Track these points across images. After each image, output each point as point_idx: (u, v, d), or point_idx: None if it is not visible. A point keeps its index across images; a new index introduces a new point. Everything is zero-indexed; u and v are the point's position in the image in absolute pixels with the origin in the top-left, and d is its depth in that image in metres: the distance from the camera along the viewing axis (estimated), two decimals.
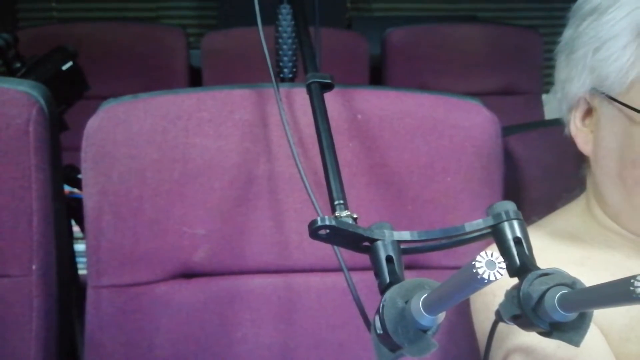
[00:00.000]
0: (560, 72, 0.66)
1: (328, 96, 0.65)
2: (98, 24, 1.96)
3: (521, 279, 0.42)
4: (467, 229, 0.46)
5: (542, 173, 0.83)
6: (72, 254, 1.01)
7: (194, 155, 0.74)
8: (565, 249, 0.64)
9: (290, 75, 0.82)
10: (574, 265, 0.62)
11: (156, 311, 0.75)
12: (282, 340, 0.77)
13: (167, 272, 0.75)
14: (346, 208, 0.52)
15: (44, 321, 0.76)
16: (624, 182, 0.61)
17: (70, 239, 1.04)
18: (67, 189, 1.00)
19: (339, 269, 0.55)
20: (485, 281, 0.30)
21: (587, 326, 0.42)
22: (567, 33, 0.65)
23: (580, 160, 0.68)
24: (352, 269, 0.55)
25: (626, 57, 0.58)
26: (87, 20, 2.34)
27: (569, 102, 0.65)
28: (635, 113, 0.57)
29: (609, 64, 0.59)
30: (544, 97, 2.04)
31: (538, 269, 0.43)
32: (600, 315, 0.58)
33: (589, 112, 0.64)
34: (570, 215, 0.69)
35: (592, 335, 0.57)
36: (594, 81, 0.61)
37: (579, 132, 0.65)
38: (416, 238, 0.47)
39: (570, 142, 0.66)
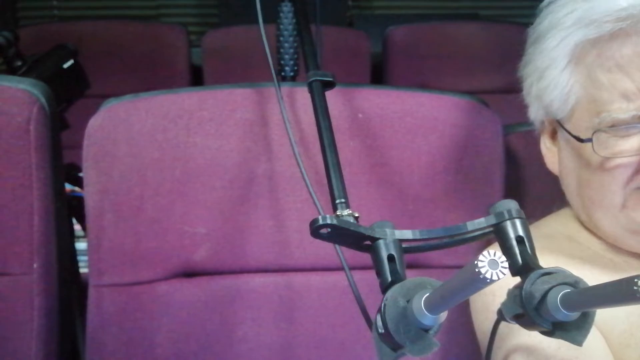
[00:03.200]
0: (524, 97, 0.67)
1: (329, 95, 0.65)
2: (99, 22, 1.96)
3: (524, 278, 0.42)
4: (469, 228, 0.46)
5: (543, 172, 0.83)
6: (73, 253, 1.01)
7: (195, 155, 0.74)
8: (563, 252, 0.64)
9: (292, 74, 0.81)
10: (573, 268, 0.61)
11: (157, 310, 0.75)
12: (283, 339, 0.77)
13: (168, 271, 0.75)
14: (347, 207, 0.52)
15: (45, 320, 0.76)
16: (582, 201, 0.62)
17: (71, 237, 1.04)
18: (68, 187, 1.00)
19: (340, 268, 0.55)
20: (488, 280, 0.30)
21: (590, 326, 0.42)
22: (522, 60, 0.66)
23: None
24: (353, 268, 0.55)
25: (563, 83, 0.59)
26: (88, 18, 2.33)
27: (536, 124, 0.67)
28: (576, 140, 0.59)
29: (550, 92, 0.60)
30: None
31: (541, 268, 0.42)
32: (600, 321, 0.58)
33: (554, 132, 0.66)
34: (566, 218, 0.69)
35: (593, 336, 0.57)
36: (544, 107, 0.63)
37: (548, 151, 0.67)
38: (418, 237, 0.47)
39: None
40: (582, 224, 0.67)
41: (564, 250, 0.64)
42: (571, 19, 0.58)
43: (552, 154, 0.67)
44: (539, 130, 0.68)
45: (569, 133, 0.60)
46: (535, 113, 0.65)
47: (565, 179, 0.65)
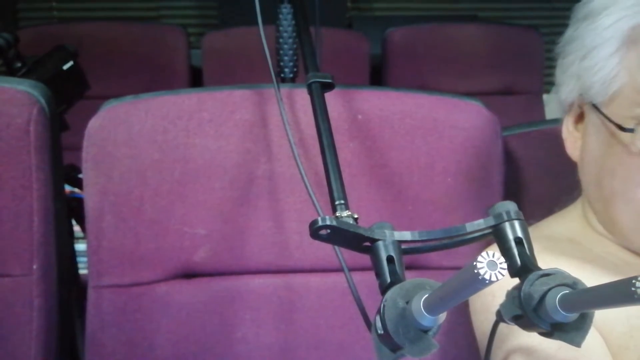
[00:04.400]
0: (557, 75, 0.65)
1: (329, 96, 0.65)
2: (99, 24, 1.96)
3: (522, 279, 0.42)
4: (468, 229, 0.46)
5: (542, 173, 0.83)
6: (72, 254, 1.01)
7: (194, 156, 0.74)
8: (564, 253, 0.63)
9: (291, 75, 0.82)
10: (574, 270, 0.61)
11: (157, 311, 0.75)
12: (283, 340, 0.77)
13: (167, 272, 0.75)
14: (347, 208, 0.52)
15: (45, 321, 0.76)
16: (602, 191, 0.60)
17: (71, 238, 1.04)
18: (67, 188, 1.00)
19: (339, 269, 0.55)
20: (487, 282, 0.30)
21: (588, 327, 0.42)
22: (565, 36, 0.64)
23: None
24: (352, 269, 0.55)
25: (610, 67, 0.57)
26: (88, 19, 2.33)
27: (562, 105, 0.65)
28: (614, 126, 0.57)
29: (593, 74, 0.58)
30: (545, 97, 2.04)
31: (539, 269, 0.42)
32: (600, 323, 0.58)
33: (580, 116, 0.64)
34: (568, 219, 0.68)
35: (593, 338, 0.57)
36: (581, 88, 0.60)
37: (570, 135, 0.65)
38: (417, 238, 0.47)
39: None
40: (588, 222, 0.66)
41: (565, 252, 0.64)
42: None
43: (573, 138, 0.64)
44: (563, 115, 0.65)
45: (609, 119, 0.57)
46: (567, 93, 0.62)
47: (586, 166, 0.63)
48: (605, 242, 0.64)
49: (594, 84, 0.58)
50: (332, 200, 0.53)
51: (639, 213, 0.58)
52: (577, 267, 0.62)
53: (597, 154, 0.61)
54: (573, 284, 0.40)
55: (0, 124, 0.73)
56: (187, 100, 0.74)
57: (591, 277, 0.59)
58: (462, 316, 0.72)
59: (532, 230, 0.68)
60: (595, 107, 0.59)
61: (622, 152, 0.57)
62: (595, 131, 0.61)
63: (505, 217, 0.45)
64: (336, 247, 0.56)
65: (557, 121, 0.69)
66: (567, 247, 0.65)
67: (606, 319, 0.58)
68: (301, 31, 0.74)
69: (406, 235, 0.46)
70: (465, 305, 0.68)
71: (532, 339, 0.55)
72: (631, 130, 0.55)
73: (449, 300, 0.35)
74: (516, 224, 0.45)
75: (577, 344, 0.42)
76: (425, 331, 0.39)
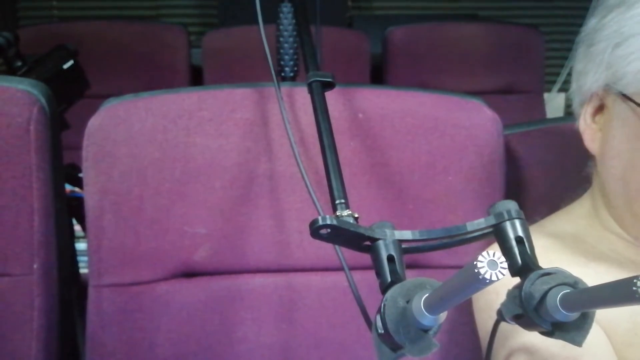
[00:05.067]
0: (578, 63, 0.63)
1: (329, 95, 0.65)
2: (99, 23, 1.96)
3: (523, 278, 0.42)
4: (469, 229, 0.46)
5: (543, 172, 0.83)
6: (73, 253, 1.01)
7: (195, 155, 0.74)
8: (568, 251, 0.63)
9: (292, 74, 0.81)
10: (577, 267, 0.60)
11: (157, 310, 0.75)
12: (283, 340, 0.77)
13: (168, 271, 0.75)
14: (347, 207, 0.52)
15: (45, 320, 0.76)
16: (627, 186, 0.58)
17: (71, 238, 1.04)
18: (68, 187, 1.00)
19: (340, 268, 0.55)
20: (487, 281, 0.30)
21: (589, 326, 0.42)
22: (591, 23, 0.61)
23: (583, 159, 0.67)
24: (353, 268, 0.55)
25: None
26: (88, 18, 2.34)
27: (581, 95, 0.63)
28: None
29: (628, 63, 0.56)
30: (546, 95, 2.04)
31: (540, 268, 0.42)
32: (604, 320, 0.57)
33: (600, 108, 0.62)
34: (574, 216, 0.67)
35: (597, 336, 0.57)
36: (610, 78, 0.58)
37: (588, 128, 0.62)
38: (417, 237, 0.47)
39: (573, 141, 0.65)
40: (596, 218, 0.65)
41: (569, 250, 0.63)
42: None
43: (591, 131, 0.62)
44: (579, 106, 0.63)
45: None
46: (591, 82, 0.60)
47: (608, 160, 0.60)
48: (612, 238, 0.63)
49: (627, 73, 0.56)
50: (333, 200, 0.53)
51: None
52: (581, 266, 0.61)
53: (622, 148, 0.58)
54: (574, 283, 0.40)
55: (0, 123, 0.73)
56: (187, 99, 0.74)
57: (595, 276, 0.59)
58: (464, 315, 0.72)
59: (536, 227, 0.68)
60: (627, 97, 0.57)
61: None
62: (621, 124, 0.58)
63: (506, 216, 0.45)
64: (337, 247, 0.56)
65: (558, 120, 0.69)
66: (571, 245, 0.64)
67: (610, 316, 0.57)
68: (301, 30, 0.74)
69: (407, 234, 0.46)
70: (468, 304, 0.68)
71: (536, 337, 0.54)
72: None
73: (449, 299, 0.35)
74: (517, 223, 0.45)
75: (578, 343, 0.42)
76: (426, 330, 0.39)
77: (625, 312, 0.58)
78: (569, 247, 0.64)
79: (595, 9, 0.61)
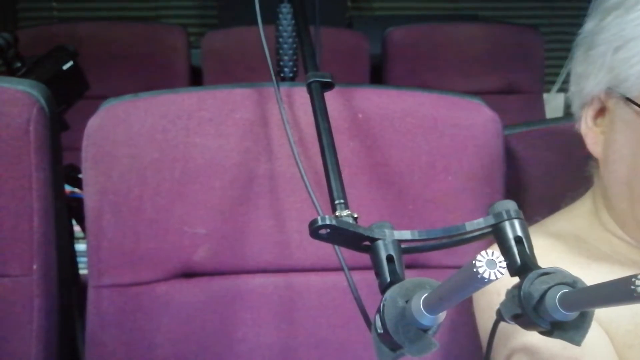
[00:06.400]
0: (577, 66, 0.62)
1: (328, 95, 0.65)
2: (98, 24, 1.96)
3: (522, 278, 0.42)
4: (468, 228, 0.46)
5: (543, 172, 0.83)
6: (72, 254, 1.01)
7: (194, 155, 0.74)
8: (569, 251, 0.63)
9: (291, 75, 0.81)
10: (578, 268, 0.60)
11: (157, 311, 0.75)
12: (283, 340, 0.77)
13: (167, 271, 0.75)
14: (347, 207, 0.52)
15: (45, 321, 0.76)
16: (631, 190, 0.58)
17: (71, 238, 1.04)
18: (67, 188, 1.00)
19: (339, 269, 0.55)
20: (486, 280, 0.30)
21: (588, 325, 0.42)
22: (589, 26, 0.61)
23: (584, 160, 0.67)
24: (352, 268, 0.55)
25: None
26: (88, 19, 2.34)
27: (582, 98, 0.62)
28: None
29: (630, 66, 0.55)
30: (545, 96, 2.04)
31: (539, 268, 0.42)
32: (605, 321, 0.57)
33: (601, 111, 0.61)
34: (575, 216, 0.67)
35: (598, 337, 0.57)
36: (611, 81, 0.58)
37: (589, 131, 0.62)
38: (417, 237, 0.47)
39: (573, 141, 0.64)
40: (597, 219, 0.64)
41: (570, 250, 0.63)
42: None
43: (593, 134, 0.62)
44: (579, 109, 0.63)
45: None
46: (592, 85, 0.59)
47: (611, 164, 0.60)
48: (613, 239, 0.63)
49: (629, 76, 0.55)
50: (332, 200, 0.53)
51: None
52: (581, 266, 0.61)
53: (626, 152, 0.58)
54: (573, 283, 0.40)
55: (0, 124, 0.73)
56: (186, 99, 0.74)
57: (596, 276, 0.59)
58: (465, 314, 0.72)
59: (537, 227, 0.68)
60: (631, 101, 0.56)
61: None
62: (624, 128, 0.58)
63: (505, 216, 0.45)
64: (336, 247, 0.56)
65: (558, 120, 0.69)
66: (573, 245, 0.63)
67: (611, 316, 0.57)
68: (301, 31, 0.74)
69: (406, 234, 0.46)
70: (468, 304, 0.68)
71: (537, 337, 0.54)
72: None
73: (448, 299, 0.35)
74: (516, 222, 0.45)
75: (577, 342, 0.42)
76: (425, 330, 0.39)
77: (626, 314, 0.58)
78: (571, 247, 0.63)
79: (593, 11, 0.61)
